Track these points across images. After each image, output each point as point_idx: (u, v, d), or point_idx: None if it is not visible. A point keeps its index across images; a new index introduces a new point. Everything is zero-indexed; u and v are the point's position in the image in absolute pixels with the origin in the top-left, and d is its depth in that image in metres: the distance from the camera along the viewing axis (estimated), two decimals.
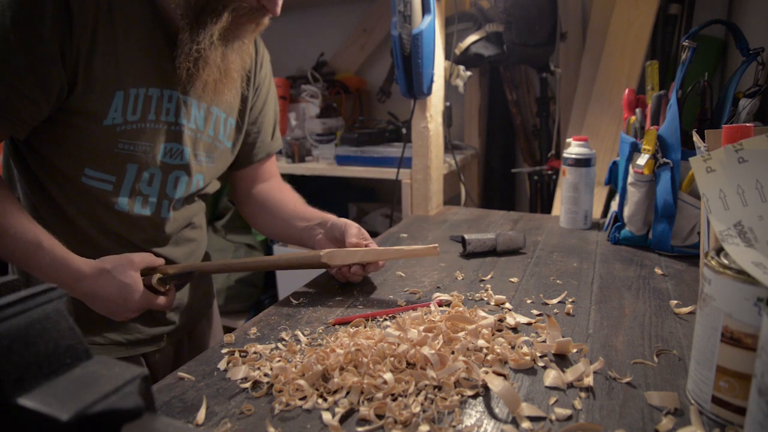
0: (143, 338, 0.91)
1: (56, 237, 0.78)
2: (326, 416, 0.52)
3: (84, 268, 0.76)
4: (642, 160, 0.96)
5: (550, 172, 1.80)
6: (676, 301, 0.77)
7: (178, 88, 0.84)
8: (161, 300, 0.82)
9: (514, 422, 0.51)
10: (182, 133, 0.85)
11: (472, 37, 1.72)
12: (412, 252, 0.84)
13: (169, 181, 0.86)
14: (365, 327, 0.70)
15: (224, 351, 0.67)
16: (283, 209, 1.02)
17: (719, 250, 0.52)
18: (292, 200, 1.04)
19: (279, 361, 0.63)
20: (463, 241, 1.03)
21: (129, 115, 0.79)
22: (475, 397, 0.55)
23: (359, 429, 0.51)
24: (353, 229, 0.90)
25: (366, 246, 0.87)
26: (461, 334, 0.64)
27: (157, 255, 0.87)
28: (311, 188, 1.85)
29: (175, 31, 0.79)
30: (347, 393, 0.55)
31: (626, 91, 1.10)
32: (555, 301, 0.79)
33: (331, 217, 0.96)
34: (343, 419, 0.52)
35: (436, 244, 0.85)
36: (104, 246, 0.84)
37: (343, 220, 0.93)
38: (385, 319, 0.74)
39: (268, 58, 1.03)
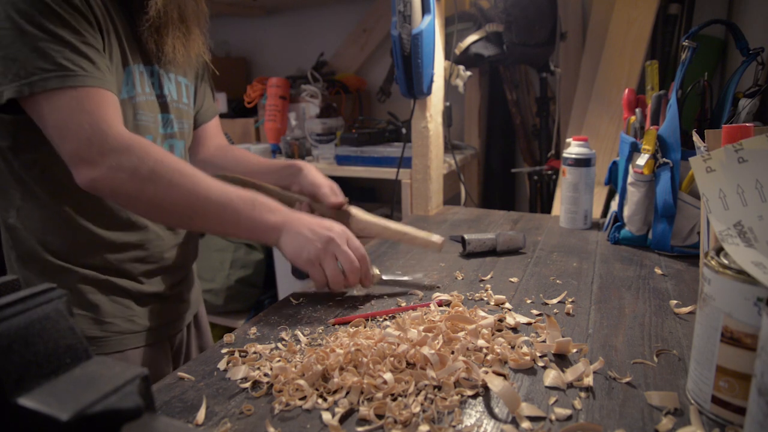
0: (170, 320, 0.95)
1: (56, 236, 0.80)
2: (326, 416, 0.52)
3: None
4: (642, 160, 0.96)
5: (549, 172, 1.80)
6: (676, 301, 0.77)
7: (154, 62, 0.88)
8: (360, 246, 0.81)
9: (514, 422, 0.51)
10: (167, 104, 0.91)
11: (472, 37, 1.72)
12: (416, 238, 0.90)
13: (167, 150, 0.89)
14: (365, 327, 0.70)
15: (224, 351, 0.67)
16: (251, 159, 1.06)
17: (719, 250, 0.52)
18: (251, 154, 1.09)
19: (279, 361, 0.63)
20: (462, 241, 1.03)
21: (137, 89, 0.83)
22: (475, 397, 0.55)
23: (359, 429, 0.51)
24: (325, 188, 0.95)
25: (342, 203, 0.93)
26: (461, 334, 0.64)
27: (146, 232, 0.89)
28: None
29: (134, 3, 0.83)
30: (347, 393, 0.55)
31: (626, 91, 1.10)
32: (555, 301, 0.79)
33: (296, 165, 1.00)
34: (343, 419, 0.52)
35: (442, 239, 0.89)
36: (105, 236, 0.84)
37: (309, 168, 0.99)
38: (385, 319, 0.74)
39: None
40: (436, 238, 0.90)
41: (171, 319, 0.96)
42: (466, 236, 1.02)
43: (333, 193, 0.94)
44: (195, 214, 0.75)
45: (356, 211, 0.93)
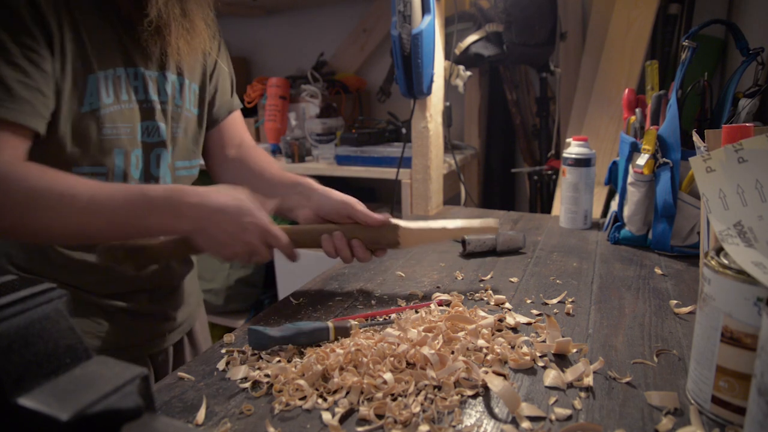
0: (146, 338, 0.90)
1: (51, 252, 0.77)
2: (326, 416, 0.52)
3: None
4: (642, 160, 0.96)
5: (549, 172, 1.80)
6: (675, 301, 0.77)
7: (140, 64, 0.81)
8: (285, 239, 0.76)
9: (514, 422, 0.51)
10: (154, 109, 0.83)
11: (472, 37, 1.72)
12: (475, 229, 0.84)
13: (152, 160, 0.84)
14: (369, 320, 0.70)
15: (224, 351, 0.67)
16: (264, 172, 0.97)
17: (719, 250, 0.52)
18: (268, 162, 1.00)
19: (279, 361, 0.63)
20: (462, 241, 1.03)
21: (104, 98, 0.77)
22: (475, 397, 0.55)
23: (359, 429, 0.51)
24: (357, 203, 0.84)
25: (387, 218, 0.83)
26: (461, 334, 0.64)
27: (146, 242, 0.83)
28: None
29: (125, 7, 0.78)
30: (347, 393, 0.55)
31: (626, 91, 1.10)
32: (555, 301, 0.79)
33: (307, 182, 0.90)
34: (343, 419, 0.52)
35: (497, 220, 0.85)
36: (66, 254, 0.80)
37: (322, 187, 0.88)
38: (385, 319, 0.74)
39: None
40: (493, 221, 0.85)
41: (149, 337, 0.90)
42: (465, 236, 1.02)
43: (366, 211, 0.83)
44: (90, 235, 0.69)
45: (404, 224, 0.82)
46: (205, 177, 0.97)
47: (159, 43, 0.80)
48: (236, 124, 1.04)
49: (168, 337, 0.94)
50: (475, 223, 0.84)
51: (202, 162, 0.98)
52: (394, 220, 0.82)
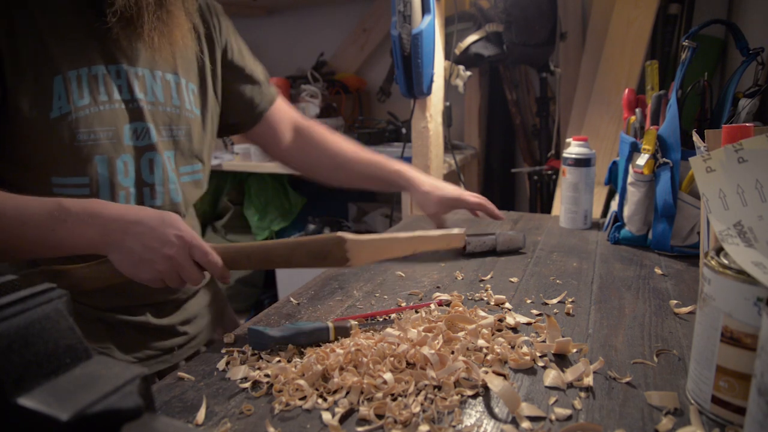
0: (153, 354, 0.86)
1: (42, 264, 0.71)
2: (326, 416, 0.52)
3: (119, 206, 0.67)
4: (642, 160, 0.96)
5: (549, 172, 1.80)
6: (676, 301, 0.77)
7: (123, 61, 0.75)
8: (211, 252, 0.67)
9: (514, 422, 0.51)
10: (142, 109, 0.77)
11: (472, 37, 1.72)
12: (438, 239, 0.79)
13: (143, 166, 0.78)
14: (368, 320, 0.70)
15: (224, 351, 0.67)
16: (353, 161, 0.98)
17: (719, 250, 0.52)
18: (335, 138, 1.01)
19: (279, 361, 0.63)
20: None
21: (77, 101, 0.70)
22: (474, 397, 0.55)
23: (359, 429, 0.51)
24: (467, 194, 0.84)
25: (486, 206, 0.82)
26: (461, 334, 0.64)
27: None
28: (311, 188, 1.85)
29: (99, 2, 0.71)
30: (347, 393, 0.55)
31: (626, 91, 1.10)
32: (555, 301, 0.79)
33: (402, 171, 0.90)
34: (343, 419, 0.52)
35: (463, 230, 0.83)
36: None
37: (432, 188, 0.88)
38: (385, 319, 0.74)
39: (221, 10, 0.95)
40: (457, 230, 0.81)
41: (157, 353, 0.86)
42: (466, 236, 1.02)
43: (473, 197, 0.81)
44: (7, 249, 0.64)
45: (353, 237, 0.70)
46: (214, 189, 0.97)
47: (130, 37, 0.73)
48: (283, 110, 1.03)
49: (177, 353, 0.90)
50: (435, 233, 0.78)
51: (206, 168, 0.93)
52: (342, 233, 0.69)
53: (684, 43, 0.95)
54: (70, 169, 0.72)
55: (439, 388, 0.56)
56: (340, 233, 0.68)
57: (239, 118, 0.99)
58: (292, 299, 0.83)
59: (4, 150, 0.71)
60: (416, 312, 0.73)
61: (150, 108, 0.79)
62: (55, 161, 0.71)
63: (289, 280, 2.00)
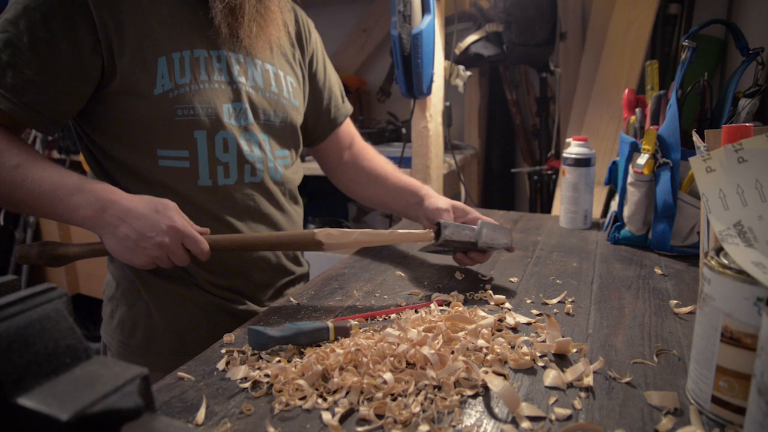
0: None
1: None
2: (326, 416, 0.52)
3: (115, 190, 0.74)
4: (642, 159, 0.96)
5: (549, 172, 1.80)
6: (675, 301, 0.77)
7: (224, 47, 0.83)
8: (202, 240, 0.74)
9: (514, 422, 0.51)
10: (241, 91, 0.84)
11: (472, 37, 1.72)
12: (406, 236, 0.84)
13: (243, 145, 0.84)
14: (369, 320, 0.70)
15: (224, 351, 0.67)
16: (385, 179, 1.02)
17: (719, 250, 0.52)
18: (380, 163, 1.05)
19: (279, 361, 0.63)
20: (438, 224, 0.86)
21: (178, 79, 0.78)
22: (474, 396, 0.55)
23: (359, 429, 0.51)
24: (447, 213, 0.89)
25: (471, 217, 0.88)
26: (461, 334, 0.64)
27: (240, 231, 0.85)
28: (311, 188, 1.85)
29: None
30: (347, 393, 0.55)
31: (626, 91, 1.10)
32: (555, 300, 0.79)
33: (425, 195, 0.95)
34: (343, 419, 0.52)
35: (430, 230, 0.85)
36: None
37: (433, 201, 0.92)
38: (385, 319, 0.74)
39: (313, 25, 1.04)
40: (425, 231, 0.84)
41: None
42: (442, 222, 0.86)
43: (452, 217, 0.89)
44: (14, 201, 0.72)
45: (324, 230, 0.79)
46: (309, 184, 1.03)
47: (231, 25, 0.80)
48: (349, 127, 1.08)
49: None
50: (401, 232, 0.84)
51: (296, 156, 0.98)
52: (317, 233, 0.79)
53: (684, 43, 0.95)
54: (173, 142, 0.79)
55: (439, 388, 0.56)
56: (316, 231, 0.78)
57: (314, 126, 1.04)
58: (292, 299, 0.83)
59: (114, 132, 0.79)
60: (416, 312, 0.73)
61: (250, 91, 0.86)
62: (159, 135, 0.78)
63: None
